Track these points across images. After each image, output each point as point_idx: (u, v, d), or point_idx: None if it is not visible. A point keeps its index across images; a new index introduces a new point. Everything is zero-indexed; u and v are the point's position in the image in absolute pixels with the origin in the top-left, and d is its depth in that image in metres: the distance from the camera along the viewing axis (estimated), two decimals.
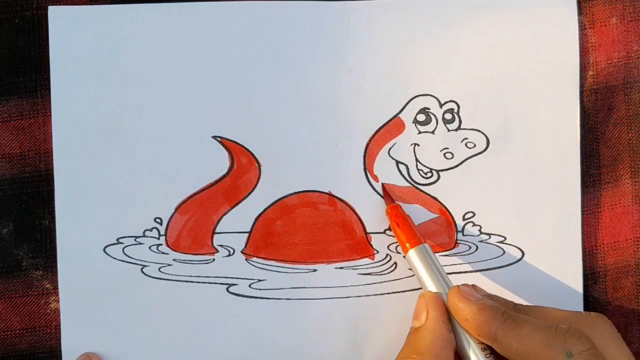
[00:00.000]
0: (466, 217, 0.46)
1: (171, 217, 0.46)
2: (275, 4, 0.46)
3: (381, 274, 0.46)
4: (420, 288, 0.43)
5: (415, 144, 0.46)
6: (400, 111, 0.46)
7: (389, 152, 0.46)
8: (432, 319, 0.39)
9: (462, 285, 0.41)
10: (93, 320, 0.46)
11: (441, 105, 0.46)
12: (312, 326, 0.46)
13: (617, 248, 0.47)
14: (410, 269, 0.46)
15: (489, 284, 0.46)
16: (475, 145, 0.46)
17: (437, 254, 0.46)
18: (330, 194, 0.46)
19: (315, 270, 0.46)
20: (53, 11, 0.45)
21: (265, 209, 0.46)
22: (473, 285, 0.43)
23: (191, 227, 0.46)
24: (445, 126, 0.46)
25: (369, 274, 0.46)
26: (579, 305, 0.46)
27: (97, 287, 0.46)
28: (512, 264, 0.46)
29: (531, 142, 0.46)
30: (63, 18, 0.45)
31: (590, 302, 0.47)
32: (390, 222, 0.45)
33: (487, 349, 0.39)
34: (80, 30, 0.45)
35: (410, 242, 0.43)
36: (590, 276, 0.47)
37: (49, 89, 0.45)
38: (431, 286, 0.42)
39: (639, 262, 0.47)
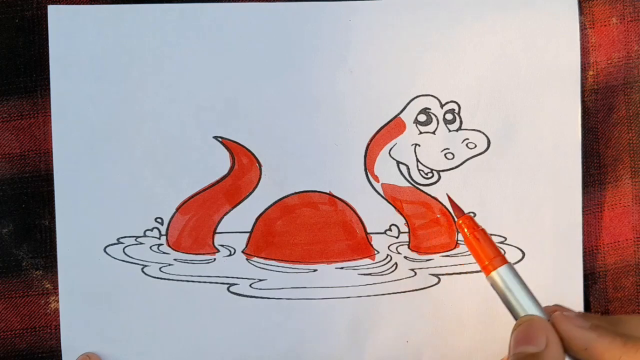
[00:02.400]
0: None
1: (172, 217, 0.46)
2: (275, 5, 0.46)
3: (381, 275, 0.46)
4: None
5: (416, 144, 0.46)
6: (401, 111, 0.46)
7: (389, 153, 0.46)
8: (554, 344, 0.36)
9: (563, 310, 0.38)
10: (93, 320, 0.46)
11: (442, 106, 0.46)
12: (312, 326, 0.46)
13: (617, 248, 0.47)
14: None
15: (488, 284, 0.46)
16: (476, 146, 0.46)
17: (437, 255, 0.46)
18: (330, 194, 0.46)
19: (315, 271, 0.46)
20: (53, 11, 0.45)
21: (266, 209, 0.46)
22: (555, 306, 0.40)
23: (192, 227, 0.46)
24: (446, 126, 0.46)
25: (370, 274, 0.46)
26: (579, 306, 0.46)
27: (97, 287, 0.46)
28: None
29: (532, 143, 0.46)
30: (63, 17, 0.45)
31: (591, 302, 0.47)
32: (465, 236, 0.41)
33: None
34: (80, 30, 0.45)
35: (496, 261, 0.39)
36: (591, 276, 0.47)
37: (49, 89, 0.45)
38: (532, 310, 0.38)
39: (639, 262, 0.47)
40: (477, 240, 0.40)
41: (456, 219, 0.41)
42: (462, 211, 0.42)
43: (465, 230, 0.40)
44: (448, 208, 0.46)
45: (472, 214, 0.46)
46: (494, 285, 0.39)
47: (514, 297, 0.38)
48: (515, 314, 0.38)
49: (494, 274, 0.39)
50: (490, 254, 0.39)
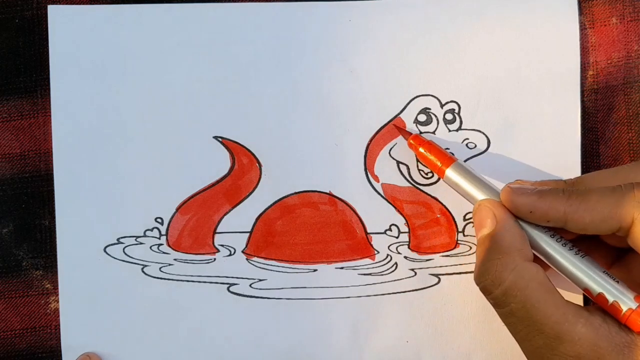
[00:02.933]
0: (467, 217, 0.46)
1: (172, 217, 0.46)
2: (275, 5, 0.46)
3: (382, 274, 0.46)
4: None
5: None
6: (401, 111, 0.46)
7: (389, 152, 0.46)
8: (503, 219, 0.39)
9: (509, 184, 0.40)
10: (93, 320, 0.46)
11: (442, 106, 0.46)
12: (312, 326, 0.46)
13: None
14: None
15: None
16: (476, 146, 0.46)
17: (437, 255, 0.46)
18: (330, 194, 0.46)
19: (315, 270, 0.46)
20: (53, 10, 0.45)
21: (266, 209, 0.46)
22: (517, 181, 0.42)
23: (192, 227, 0.46)
24: (446, 126, 0.46)
25: (370, 274, 0.46)
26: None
27: (97, 287, 0.46)
28: None
29: (532, 143, 0.46)
30: (63, 17, 0.45)
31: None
32: (416, 152, 0.44)
33: (555, 234, 0.39)
34: (80, 30, 0.45)
35: (444, 163, 0.43)
36: None
37: (49, 89, 0.45)
38: (483, 195, 0.41)
39: None
40: (428, 152, 0.44)
41: (407, 141, 0.45)
42: (409, 132, 0.45)
43: (419, 148, 0.44)
44: (448, 208, 0.46)
45: (471, 214, 0.46)
46: (450, 183, 0.43)
47: (467, 188, 0.42)
48: (473, 204, 0.41)
49: (447, 173, 0.42)
50: (440, 159, 0.43)
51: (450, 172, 0.43)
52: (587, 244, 0.40)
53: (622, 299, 0.36)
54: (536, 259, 0.39)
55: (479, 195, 0.41)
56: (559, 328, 0.35)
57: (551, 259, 0.39)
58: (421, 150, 0.44)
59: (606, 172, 0.41)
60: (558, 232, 0.39)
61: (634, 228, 0.36)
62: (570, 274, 0.38)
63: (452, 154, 0.46)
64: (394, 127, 0.46)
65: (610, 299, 0.37)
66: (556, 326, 0.35)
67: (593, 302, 0.38)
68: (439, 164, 0.43)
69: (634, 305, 0.36)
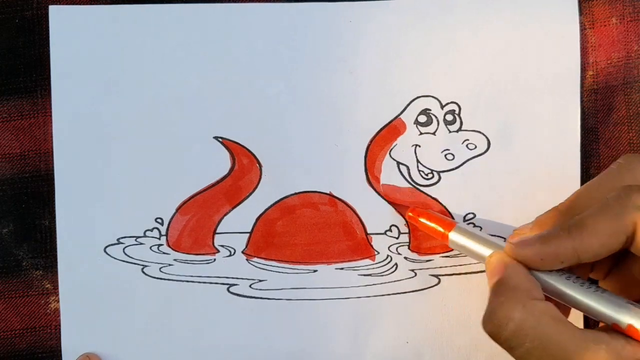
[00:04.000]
0: (467, 218, 0.46)
1: (172, 217, 0.46)
2: (275, 5, 0.46)
3: (382, 275, 0.46)
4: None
5: (416, 145, 0.46)
6: (401, 112, 0.46)
7: (389, 153, 0.46)
8: (512, 266, 0.38)
9: (511, 237, 0.40)
10: (93, 320, 0.46)
11: (442, 107, 0.46)
12: (312, 327, 0.46)
13: None
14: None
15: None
16: (476, 147, 0.46)
17: (437, 255, 0.46)
18: (331, 195, 0.46)
19: (315, 271, 0.46)
20: (54, 11, 0.45)
21: (266, 210, 0.46)
22: (514, 231, 0.42)
23: (192, 227, 0.46)
24: (446, 127, 0.46)
25: (370, 274, 0.46)
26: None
27: (97, 287, 0.46)
28: None
29: (532, 143, 0.46)
30: (64, 18, 0.45)
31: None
32: (418, 224, 0.45)
33: (571, 276, 0.38)
34: (80, 30, 0.45)
35: (446, 228, 0.43)
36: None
37: (49, 89, 0.45)
38: (491, 251, 0.41)
39: None
40: (428, 222, 0.45)
41: (405, 215, 0.46)
42: (406, 206, 0.46)
43: (420, 219, 0.45)
44: (448, 209, 0.46)
45: (471, 215, 0.46)
46: (457, 247, 0.43)
47: (473, 247, 0.42)
48: (482, 262, 0.42)
49: (450, 238, 0.43)
50: (441, 226, 0.44)
51: (453, 235, 0.43)
52: None
53: None
54: (551, 301, 0.38)
55: (486, 251, 0.41)
56: (581, 357, 0.34)
57: (573, 300, 0.38)
58: (422, 220, 0.45)
59: (592, 185, 0.40)
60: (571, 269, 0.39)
61: (637, 233, 0.36)
62: (596, 312, 0.37)
63: (453, 156, 0.46)
64: (393, 205, 0.46)
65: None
66: (577, 356, 0.34)
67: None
68: (441, 230, 0.44)
69: None
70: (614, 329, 0.37)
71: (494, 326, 0.36)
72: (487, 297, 0.38)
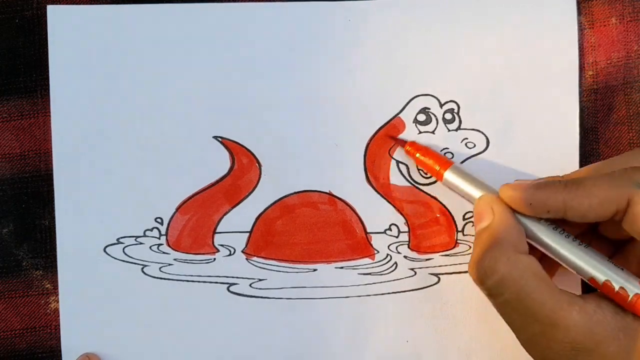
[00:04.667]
0: (466, 217, 0.46)
1: (172, 217, 0.46)
2: (275, 5, 0.46)
3: (381, 274, 0.46)
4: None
5: None
6: (401, 111, 0.46)
7: (389, 152, 0.46)
8: (500, 212, 0.39)
9: (507, 183, 0.41)
10: (93, 320, 0.46)
11: (441, 105, 0.46)
12: (312, 326, 0.46)
13: None
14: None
15: None
16: (475, 145, 0.46)
17: (437, 254, 0.46)
18: (330, 194, 0.46)
19: (315, 270, 0.46)
20: (52, 11, 0.45)
21: (266, 209, 0.46)
22: (515, 181, 0.42)
23: (192, 227, 0.46)
24: (446, 126, 0.46)
25: (369, 273, 0.46)
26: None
27: (97, 287, 0.46)
28: None
29: (531, 142, 0.46)
30: (62, 18, 0.45)
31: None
32: (414, 158, 0.45)
33: (557, 227, 0.39)
34: (79, 30, 0.45)
35: (442, 166, 0.44)
36: None
37: (49, 89, 0.45)
38: (482, 193, 0.42)
39: None
40: (425, 157, 0.44)
41: (404, 148, 0.46)
42: (405, 140, 0.46)
43: (416, 154, 0.45)
44: (448, 208, 0.46)
45: (471, 213, 0.46)
46: (449, 185, 0.43)
47: (466, 188, 0.42)
48: (473, 203, 0.42)
49: (445, 175, 0.43)
50: (437, 162, 0.44)
51: (448, 174, 0.43)
52: (586, 239, 0.40)
53: (628, 286, 0.37)
54: (537, 253, 0.39)
55: (478, 193, 0.42)
56: (554, 316, 0.36)
57: (554, 251, 0.39)
58: (418, 155, 0.45)
59: (601, 164, 0.41)
60: (559, 225, 0.40)
61: (629, 209, 0.36)
62: (574, 264, 0.38)
63: (452, 155, 0.46)
64: (390, 138, 0.46)
65: (616, 285, 0.37)
66: (551, 314, 0.36)
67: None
68: (437, 167, 0.44)
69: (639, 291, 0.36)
70: (595, 295, 0.38)
71: (479, 274, 0.38)
72: (474, 241, 0.40)
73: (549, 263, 0.40)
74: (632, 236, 0.38)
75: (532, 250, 0.39)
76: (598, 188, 0.37)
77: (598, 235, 0.42)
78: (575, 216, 0.37)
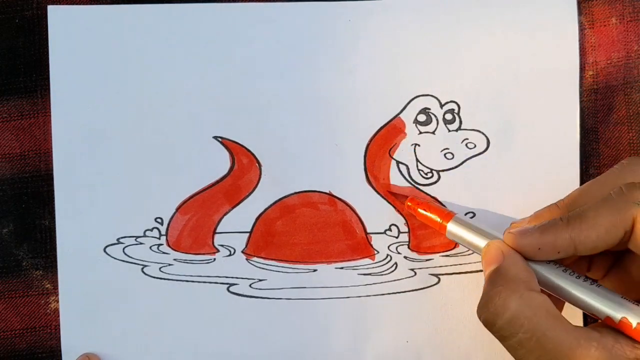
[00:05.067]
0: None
1: (172, 217, 0.46)
2: (275, 5, 0.46)
3: (381, 275, 0.46)
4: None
5: (416, 144, 0.46)
6: (401, 111, 0.46)
7: (389, 152, 0.46)
8: (510, 255, 0.38)
9: (509, 229, 0.40)
10: (93, 320, 0.46)
11: (442, 106, 0.46)
12: (312, 326, 0.46)
13: None
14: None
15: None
16: (475, 146, 0.46)
17: (437, 255, 0.46)
18: (330, 194, 0.46)
19: (315, 270, 0.46)
20: (52, 11, 0.45)
21: (266, 209, 0.46)
22: (511, 224, 0.42)
23: (192, 227, 0.46)
24: (446, 126, 0.46)
25: (370, 274, 0.46)
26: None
27: (97, 287, 0.46)
28: None
29: (531, 142, 0.46)
30: (62, 18, 0.45)
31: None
32: (416, 213, 0.45)
33: (567, 269, 0.39)
34: (80, 30, 0.45)
35: (444, 219, 0.43)
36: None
37: (49, 89, 0.45)
38: (487, 240, 0.41)
39: None
40: (426, 212, 0.44)
41: (405, 205, 0.46)
42: (405, 196, 0.46)
43: (418, 209, 0.45)
44: (448, 208, 0.46)
45: (471, 214, 0.46)
46: (454, 237, 0.43)
47: (471, 238, 0.42)
48: (479, 253, 0.42)
49: (448, 228, 0.43)
50: (439, 216, 0.44)
51: (451, 226, 0.43)
52: (586, 259, 0.40)
53: None
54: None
55: (484, 241, 0.41)
56: (572, 354, 0.34)
57: (566, 293, 0.38)
58: (420, 210, 0.45)
59: (594, 184, 0.40)
60: (569, 265, 0.39)
61: (635, 229, 0.36)
62: (588, 305, 0.38)
63: (453, 155, 0.46)
64: (390, 194, 0.46)
65: (634, 322, 0.36)
66: (569, 352, 0.34)
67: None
68: (439, 220, 0.44)
69: None
70: (607, 326, 0.37)
71: (489, 314, 0.36)
72: (483, 286, 0.38)
73: (558, 304, 0.39)
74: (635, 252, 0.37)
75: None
76: (601, 217, 0.36)
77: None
78: (585, 250, 0.37)
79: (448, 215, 0.43)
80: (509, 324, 0.36)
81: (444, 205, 0.46)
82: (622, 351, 0.35)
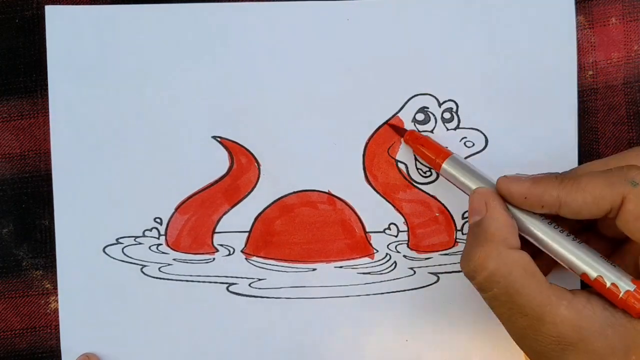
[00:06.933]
0: (465, 215, 0.46)
1: (171, 217, 0.46)
2: (274, 5, 0.46)
3: (380, 273, 0.46)
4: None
5: None
6: (399, 110, 0.46)
7: (388, 151, 0.46)
8: (493, 207, 0.39)
9: (505, 175, 0.41)
10: (93, 320, 0.46)
11: (440, 105, 0.46)
12: (311, 325, 0.46)
13: None
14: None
15: None
16: (474, 144, 0.46)
17: (436, 253, 0.46)
18: (329, 193, 0.46)
19: (314, 270, 0.46)
20: (50, 11, 0.45)
21: (265, 209, 0.46)
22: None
23: (191, 227, 0.46)
24: (444, 125, 0.46)
25: (369, 273, 0.46)
26: None
27: (97, 287, 0.46)
28: None
29: (530, 142, 0.46)
30: (60, 18, 0.45)
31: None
32: (413, 147, 0.45)
33: (552, 222, 0.39)
34: (78, 30, 0.45)
35: (440, 156, 0.43)
36: None
37: (48, 89, 0.45)
38: (477, 185, 0.42)
39: None
40: (424, 147, 0.44)
41: (402, 139, 0.46)
42: (404, 129, 0.46)
43: (415, 144, 0.45)
44: (447, 206, 0.46)
45: None
46: (447, 176, 0.43)
47: (463, 179, 0.42)
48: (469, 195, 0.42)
49: (443, 166, 0.43)
50: (436, 153, 0.44)
51: (446, 165, 0.43)
52: (583, 237, 0.40)
53: (620, 283, 0.37)
54: (532, 249, 0.39)
55: (474, 185, 0.42)
56: (542, 310, 0.36)
57: (547, 245, 0.39)
58: (417, 146, 0.45)
59: (599, 162, 0.41)
60: (556, 221, 0.40)
61: (623, 207, 0.36)
62: (566, 259, 0.38)
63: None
64: (390, 126, 0.46)
65: (608, 282, 0.37)
66: (538, 308, 0.36)
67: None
68: (435, 158, 0.44)
69: (631, 288, 0.36)
70: (587, 290, 0.38)
71: (469, 270, 0.38)
72: (466, 236, 0.40)
73: (547, 260, 0.40)
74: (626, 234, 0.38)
75: (528, 246, 0.39)
76: (593, 185, 0.37)
77: (596, 234, 0.42)
78: (568, 212, 0.38)
79: (445, 153, 0.43)
80: (486, 281, 0.38)
81: (447, 209, 0.47)
82: (592, 312, 0.36)
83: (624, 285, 0.37)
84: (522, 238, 0.39)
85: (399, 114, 0.46)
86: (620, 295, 0.36)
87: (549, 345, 0.36)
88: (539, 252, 0.40)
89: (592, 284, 0.37)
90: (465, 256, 0.39)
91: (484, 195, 0.40)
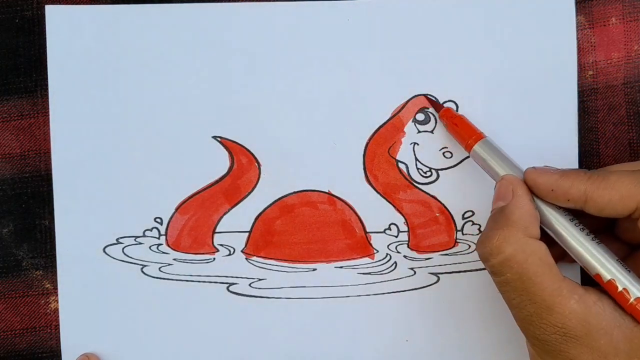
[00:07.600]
0: (465, 216, 0.46)
1: (171, 217, 0.46)
2: (274, 5, 0.46)
3: (381, 274, 0.46)
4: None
5: (415, 143, 0.46)
6: (400, 110, 0.46)
7: (388, 151, 0.46)
8: (519, 195, 0.39)
9: (533, 166, 0.41)
10: (93, 320, 0.46)
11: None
12: (312, 325, 0.46)
13: None
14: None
15: (488, 283, 0.46)
16: None
17: (436, 253, 0.46)
18: (329, 194, 0.46)
19: (315, 270, 0.46)
20: (50, 11, 0.45)
21: (265, 209, 0.46)
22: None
23: (191, 227, 0.46)
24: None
25: (369, 273, 0.46)
26: None
27: (97, 287, 0.46)
28: None
29: (530, 142, 0.46)
30: (60, 18, 0.45)
31: None
32: (447, 124, 0.45)
33: (574, 219, 0.39)
34: (78, 30, 0.45)
35: (473, 138, 0.43)
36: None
37: (48, 89, 0.45)
38: (506, 171, 0.42)
39: None
40: (457, 126, 0.44)
41: (437, 114, 0.46)
42: (441, 105, 0.46)
43: (450, 121, 0.45)
44: (447, 207, 0.46)
45: (470, 213, 0.46)
46: (477, 158, 0.43)
47: (492, 164, 0.42)
48: (496, 180, 0.42)
49: (474, 148, 0.43)
50: (469, 133, 0.43)
51: (478, 148, 0.43)
52: (601, 238, 0.40)
53: (632, 288, 0.37)
54: (549, 241, 0.39)
55: (502, 172, 0.42)
56: (552, 300, 0.36)
57: (566, 241, 0.39)
58: (452, 124, 0.45)
59: (630, 163, 0.42)
60: (578, 218, 0.40)
61: None
62: (583, 258, 0.38)
63: (451, 154, 0.46)
64: (425, 98, 0.46)
65: (620, 286, 0.37)
66: (550, 298, 0.36)
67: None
68: (467, 138, 0.43)
69: None
70: (599, 288, 0.38)
71: (485, 252, 0.38)
72: (488, 219, 0.40)
73: (555, 253, 0.40)
74: None
75: (545, 238, 0.39)
76: (621, 183, 0.37)
77: (613, 237, 0.42)
78: (593, 208, 0.38)
79: (478, 135, 0.43)
80: (500, 265, 0.38)
81: (447, 209, 0.46)
82: (602, 310, 0.37)
83: (636, 291, 0.37)
84: (540, 229, 0.39)
85: (399, 114, 0.46)
86: (631, 300, 0.37)
87: (552, 334, 0.37)
88: (549, 244, 0.40)
89: (605, 285, 0.38)
90: (482, 238, 0.39)
91: (512, 183, 0.40)
